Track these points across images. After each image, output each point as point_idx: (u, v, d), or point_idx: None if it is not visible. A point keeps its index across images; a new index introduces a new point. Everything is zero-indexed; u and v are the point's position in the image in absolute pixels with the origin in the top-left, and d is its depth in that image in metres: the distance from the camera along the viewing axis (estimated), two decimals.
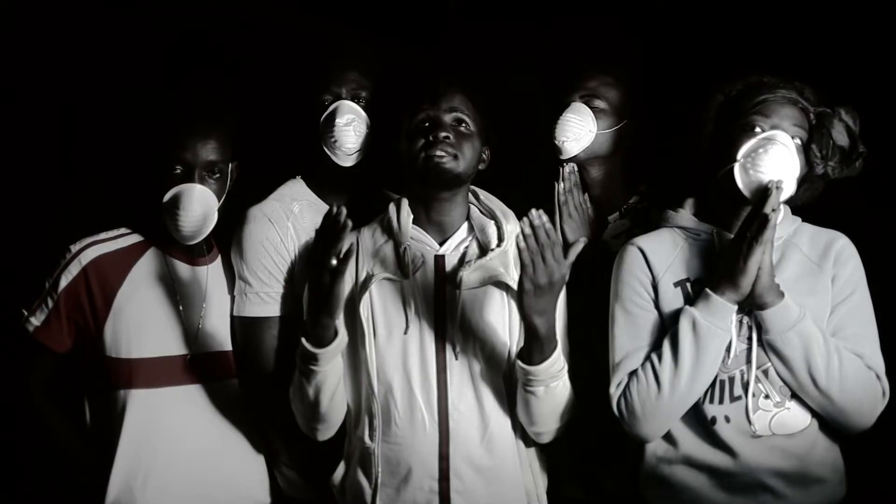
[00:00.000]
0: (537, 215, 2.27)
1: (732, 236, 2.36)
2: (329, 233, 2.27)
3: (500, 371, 2.50)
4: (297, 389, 2.48)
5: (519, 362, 2.39)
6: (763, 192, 2.28)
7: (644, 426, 2.39)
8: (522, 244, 2.27)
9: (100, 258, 2.67)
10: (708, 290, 2.34)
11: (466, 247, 2.56)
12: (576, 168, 2.93)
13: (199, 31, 3.41)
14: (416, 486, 2.46)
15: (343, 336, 2.41)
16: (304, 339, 2.38)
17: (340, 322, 2.42)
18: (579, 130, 2.88)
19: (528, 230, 2.27)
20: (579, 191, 2.93)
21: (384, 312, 2.51)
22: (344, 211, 2.25)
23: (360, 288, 2.52)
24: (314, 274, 2.32)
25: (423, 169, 2.48)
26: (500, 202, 2.66)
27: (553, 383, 2.40)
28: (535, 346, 2.36)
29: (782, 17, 3.06)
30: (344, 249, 2.27)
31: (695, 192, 2.59)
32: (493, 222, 2.60)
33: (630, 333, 2.46)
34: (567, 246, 2.32)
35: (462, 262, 2.53)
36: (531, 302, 2.31)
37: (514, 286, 2.46)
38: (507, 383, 2.50)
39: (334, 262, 2.27)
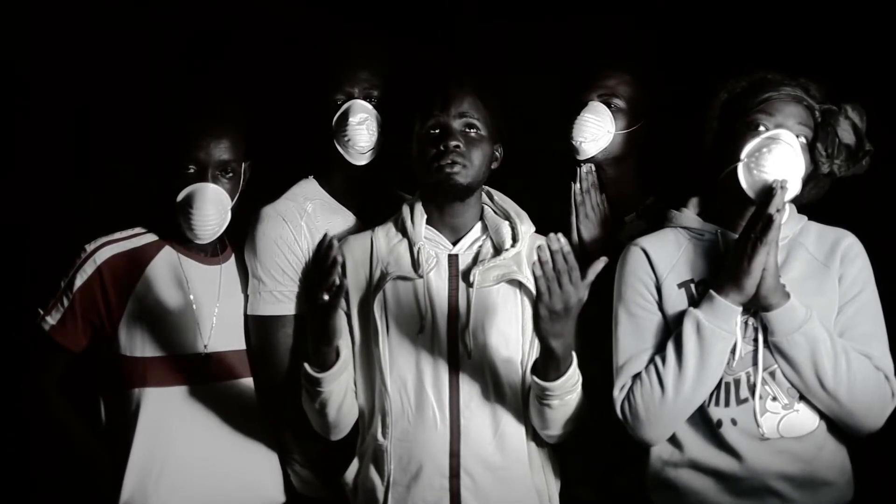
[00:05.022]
0: (556, 239, 2.23)
1: (737, 236, 2.34)
2: (320, 267, 2.27)
3: (513, 370, 2.50)
4: (305, 404, 2.51)
5: (534, 378, 2.38)
6: (767, 193, 2.26)
7: (648, 430, 2.38)
8: (539, 272, 2.24)
9: (114, 257, 2.68)
10: (712, 291, 2.32)
11: (480, 246, 2.57)
12: (593, 168, 2.91)
13: (212, 31, 3.42)
14: (427, 483, 2.46)
15: (346, 358, 2.43)
16: (306, 365, 2.40)
17: (343, 343, 2.45)
18: (597, 131, 2.85)
19: (545, 256, 2.23)
20: (597, 191, 2.89)
21: (398, 311, 2.52)
22: (335, 244, 2.25)
23: (375, 287, 2.53)
24: (309, 307, 2.34)
25: (434, 180, 2.50)
26: (514, 203, 2.66)
27: (568, 396, 2.39)
28: (550, 365, 2.34)
29: (787, 12, 3.02)
30: (339, 264, 2.26)
31: (699, 191, 2.57)
32: (507, 223, 2.60)
33: (633, 336, 2.44)
34: (585, 258, 2.30)
35: (475, 261, 2.54)
36: (547, 327, 2.28)
37: (528, 284, 2.47)
38: (521, 384, 2.50)
39: (326, 297, 2.26)
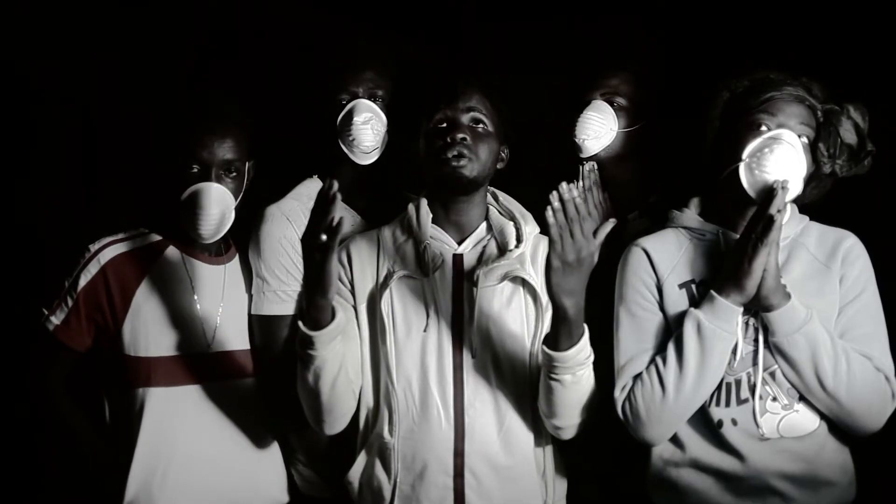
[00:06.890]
0: (567, 189, 2.24)
1: (738, 237, 2.34)
2: (319, 206, 2.24)
3: (518, 369, 2.50)
4: (300, 380, 2.46)
5: (545, 348, 2.35)
6: (768, 193, 2.25)
7: (649, 430, 2.38)
8: (551, 219, 2.24)
9: (118, 257, 2.69)
10: (713, 292, 2.31)
11: (484, 246, 2.57)
12: (595, 166, 2.91)
13: (216, 31, 3.42)
14: (431, 482, 2.47)
15: (340, 319, 2.37)
16: (300, 323, 2.36)
17: (339, 305, 2.40)
18: (600, 128, 2.86)
19: (556, 204, 2.24)
20: (599, 189, 2.89)
21: (403, 309, 2.53)
22: (335, 185, 2.22)
23: (381, 285, 2.54)
24: (307, 252, 2.29)
25: (441, 173, 2.49)
26: (518, 204, 2.66)
27: (580, 371, 2.37)
28: (563, 330, 2.32)
29: (789, 12, 3.02)
30: (336, 222, 2.22)
31: (700, 191, 2.57)
32: (511, 223, 2.60)
33: (634, 336, 2.44)
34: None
35: (480, 261, 2.55)
36: (559, 280, 2.27)
37: (531, 281, 2.48)
38: (526, 382, 2.50)
39: (324, 237, 2.22)
